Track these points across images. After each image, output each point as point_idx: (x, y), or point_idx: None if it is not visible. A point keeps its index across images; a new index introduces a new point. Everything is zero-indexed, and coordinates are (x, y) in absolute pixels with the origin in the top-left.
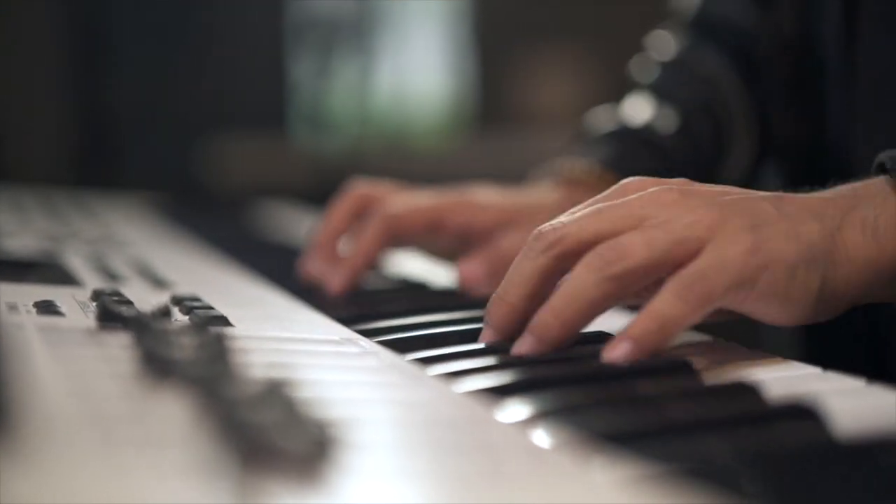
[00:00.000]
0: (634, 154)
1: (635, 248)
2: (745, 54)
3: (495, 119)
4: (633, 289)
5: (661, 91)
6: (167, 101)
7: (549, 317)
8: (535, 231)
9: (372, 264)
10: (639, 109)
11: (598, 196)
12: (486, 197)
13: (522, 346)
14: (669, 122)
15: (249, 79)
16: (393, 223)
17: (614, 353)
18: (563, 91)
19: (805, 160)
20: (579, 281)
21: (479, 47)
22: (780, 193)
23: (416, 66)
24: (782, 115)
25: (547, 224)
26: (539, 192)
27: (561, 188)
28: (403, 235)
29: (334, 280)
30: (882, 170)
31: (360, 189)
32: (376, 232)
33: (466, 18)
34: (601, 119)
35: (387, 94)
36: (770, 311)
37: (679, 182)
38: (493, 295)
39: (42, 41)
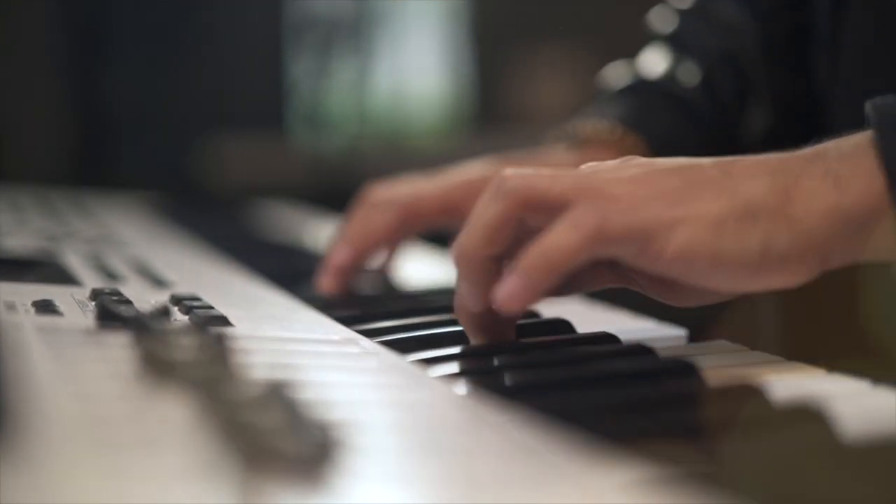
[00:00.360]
0: (652, 107)
1: (542, 180)
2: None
3: (493, 118)
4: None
5: (680, 42)
6: (166, 100)
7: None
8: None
9: (377, 251)
10: (656, 61)
11: None
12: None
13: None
14: (692, 74)
15: (248, 78)
16: (407, 210)
17: (503, 291)
18: (561, 91)
19: (788, 124)
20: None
21: (477, 47)
22: (736, 157)
23: (414, 65)
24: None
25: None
26: (552, 157)
27: (575, 150)
28: (417, 224)
29: (339, 254)
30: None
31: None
32: (389, 221)
33: (464, 18)
34: (616, 74)
35: (385, 93)
36: (705, 274)
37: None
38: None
39: (41, 41)
